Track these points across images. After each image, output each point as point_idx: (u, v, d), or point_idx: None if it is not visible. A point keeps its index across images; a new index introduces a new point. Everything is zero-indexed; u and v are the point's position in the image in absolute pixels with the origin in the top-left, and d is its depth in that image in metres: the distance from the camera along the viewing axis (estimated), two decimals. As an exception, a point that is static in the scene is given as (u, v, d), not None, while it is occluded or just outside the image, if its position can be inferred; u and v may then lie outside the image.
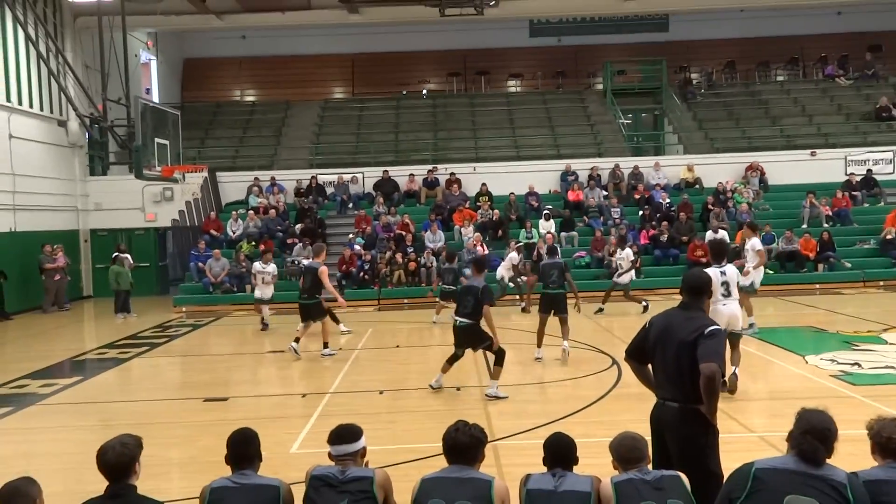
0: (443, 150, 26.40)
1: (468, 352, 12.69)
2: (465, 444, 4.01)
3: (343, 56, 31.34)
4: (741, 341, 9.28)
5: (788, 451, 3.74)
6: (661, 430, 4.66)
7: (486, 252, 20.76)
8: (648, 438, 4.44)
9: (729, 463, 4.47)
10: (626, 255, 17.08)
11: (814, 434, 3.66)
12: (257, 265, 16.54)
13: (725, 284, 8.79)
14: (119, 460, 3.77)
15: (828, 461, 3.68)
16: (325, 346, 12.61)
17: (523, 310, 17.61)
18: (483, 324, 9.29)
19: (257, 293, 16.30)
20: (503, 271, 18.31)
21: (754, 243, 12.90)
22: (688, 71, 30.29)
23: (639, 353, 4.92)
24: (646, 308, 16.16)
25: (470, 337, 9.41)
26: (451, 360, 9.71)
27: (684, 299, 4.86)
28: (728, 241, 11.84)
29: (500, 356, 9.33)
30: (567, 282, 11.65)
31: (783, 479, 3.59)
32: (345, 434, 4.21)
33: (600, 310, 16.36)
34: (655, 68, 28.83)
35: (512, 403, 9.25)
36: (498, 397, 9.29)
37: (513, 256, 18.45)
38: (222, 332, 16.67)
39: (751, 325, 12.79)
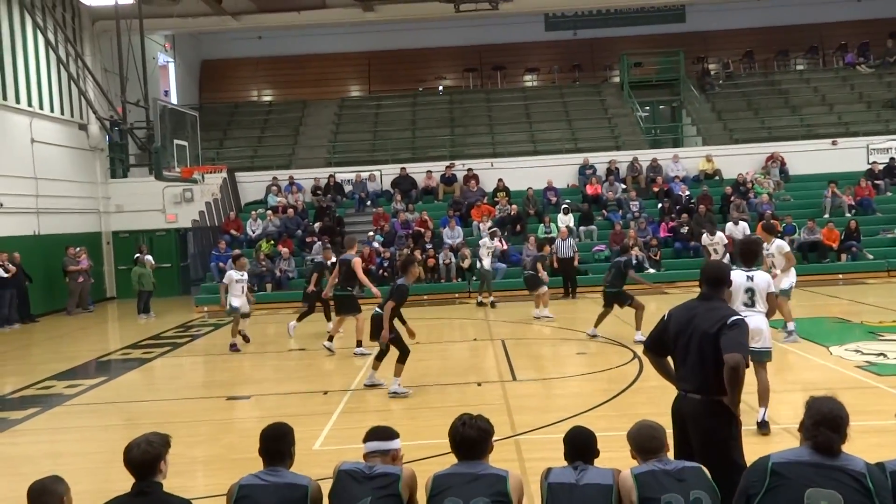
0: (460, 146, 26.40)
1: (488, 346, 12.69)
2: (473, 437, 3.96)
3: (359, 54, 31.42)
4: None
5: (802, 442, 3.67)
6: (683, 422, 4.63)
7: (505, 247, 20.77)
8: (669, 431, 4.41)
9: (753, 456, 4.44)
10: (719, 239, 17.21)
11: (826, 424, 3.57)
12: (234, 273, 13.51)
13: (750, 292, 7.41)
14: (144, 458, 3.81)
15: (844, 449, 3.60)
16: (359, 344, 12.29)
17: (479, 304, 17.84)
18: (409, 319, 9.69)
19: (236, 303, 13.42)
20: (482, 256, 18.38)
21: (780, 245, 11.75)
22: (705, 61, 30.05)
23: (658, 346, 4.88)
24: None
25: (376, 328, 9.49)
26: (379, 356, 9.80)
27: (704, 290, 4.83)
28: (759, 240, 10.73)
29: (403, 354, 9.45)
30: (632, 279, 12.83)
31: (802, 472, 3.51)
32: (379, 432, 4.24)
33: None
34: (673, 60, 28.63)
35: (534, 398, 9.24)
36: (397, 394, 9.39)
37: (485, 241, 18.60)
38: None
39: (790, 333, 11.60)
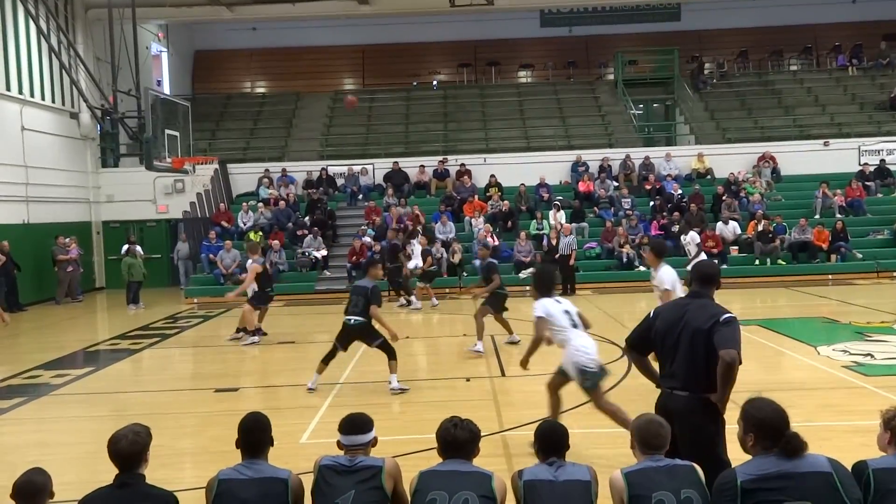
0: (453, 142, 26.37)
1: (487, 343, 12.69)
2: (464, 439, 4.00)
3: (353, 47, 31.31)
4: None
5: (757, 451, 3.65)
6: (669, 420, 4.63)
7: (497, 242, 20.76)
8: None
9: (738, 453, 4.45)
10: (691, 239, 16.09)
11: (780, 425, 3.60)
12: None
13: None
14: (132, 449, 3.80)
15: (826, 455, 3.62)
16: (244, 332, 13.24)
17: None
18: (375, 323, 9.25)
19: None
20: (417, 260, 18.36)
21: (662, 276, 8.52)
22: (700, 60, 30.08)
23: (641, 344, 4.89)
24: None
25: (362, 335, 9.36)
26: (328, 358, 9.51)
27: (694, 288, 4.86)
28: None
29: (391, 352, 9.28)
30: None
31: (773, 486, 3.50)
32: (357, 424, 4.19)
33: None
34: (667, 58, 28.66)
35: (521, 394, 9.24)
36: (403, 390, 9.20)
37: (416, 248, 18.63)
38: (233, 324, 16.65)
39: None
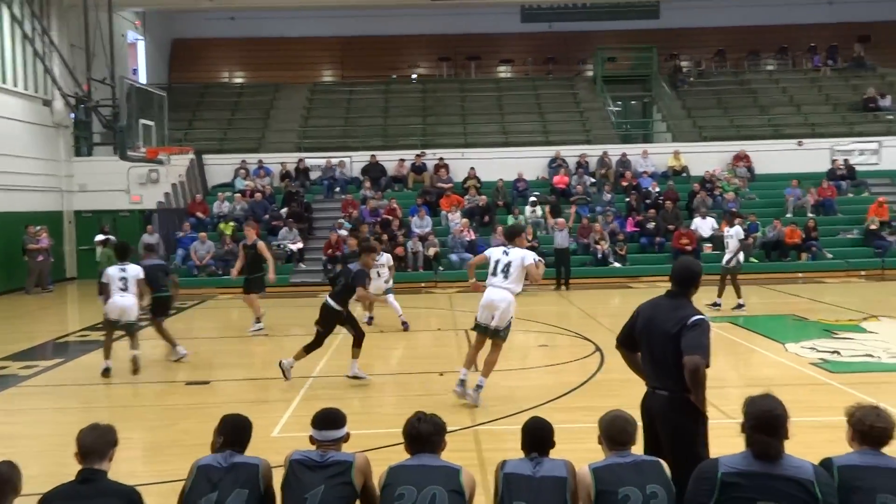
0: (431, 136, 26.32)
1: (452, 336, 12.71)
2: (429, 432, 4.04)
3: (332, 39, 31.13)
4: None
5: (746, 445, 3.65)
6: (652, 419, 4.65)
7: (473, 237, 20.79)
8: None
9: (711, 449, 4.51)
10: (735, 234, 14.75)
11: (761, 427, 3.56)
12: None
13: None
14: (97, 444, 3.80)
15: (789, 452, 3.60)
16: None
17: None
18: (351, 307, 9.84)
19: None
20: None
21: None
22: (678, 59, 30.28)
23: (629, 341, 4.89)
24: (740, 306, 14.54)
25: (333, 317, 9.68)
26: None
27: (672, 288, 4.78)
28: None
29: (359, 338, 9.58)
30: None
31: (750, 483, 3.50)
32: (330, 419, 4.21)
33: (715, 304, 14.53)
34: (646, 56, 28.81)
35: (493, 388, 9.24)
36: (358, 377, 9.44)
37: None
38: (206, 315, 16.63)
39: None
